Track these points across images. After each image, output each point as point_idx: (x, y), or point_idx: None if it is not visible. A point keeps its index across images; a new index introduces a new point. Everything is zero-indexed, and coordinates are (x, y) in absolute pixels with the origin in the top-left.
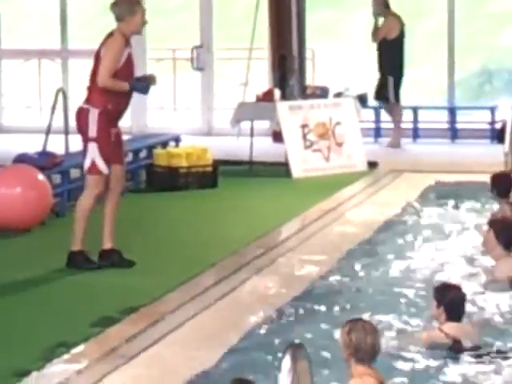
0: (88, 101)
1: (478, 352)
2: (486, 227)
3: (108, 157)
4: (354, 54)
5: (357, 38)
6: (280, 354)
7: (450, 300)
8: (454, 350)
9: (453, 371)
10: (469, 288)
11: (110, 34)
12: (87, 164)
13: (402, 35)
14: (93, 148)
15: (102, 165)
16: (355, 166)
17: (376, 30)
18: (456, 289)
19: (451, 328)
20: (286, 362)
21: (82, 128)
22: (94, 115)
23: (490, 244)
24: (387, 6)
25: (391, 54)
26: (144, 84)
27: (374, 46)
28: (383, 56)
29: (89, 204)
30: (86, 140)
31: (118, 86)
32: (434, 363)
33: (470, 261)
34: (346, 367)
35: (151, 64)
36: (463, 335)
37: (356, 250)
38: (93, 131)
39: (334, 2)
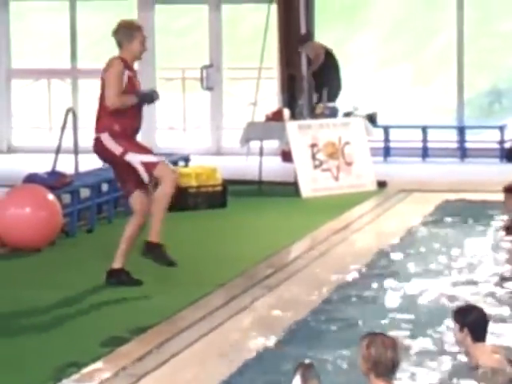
0: (97, 130)
1: None
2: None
3: (147, 151)
4: (364, 73)
5: (366, 58)
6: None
7: (473, 320)
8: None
9: None
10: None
11: (110, 62)
12: (142, 170)
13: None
14: (132, 157)
15: (150, 158)
16: (364, 186)
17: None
18: (477, 309)
19: (491, 348)
20: (297, 382)
21: (106, 154)
22: (106, 139)
23: None
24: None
25: None
26: (150, 91)
27: (384, 64)
28: None
29: (169, 195)
30: (121, 159)
31: (127, 100)
32: None
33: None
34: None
35: (161, 83)
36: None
37: (366, 270)
38: (117, 148)
39: (343, 22)
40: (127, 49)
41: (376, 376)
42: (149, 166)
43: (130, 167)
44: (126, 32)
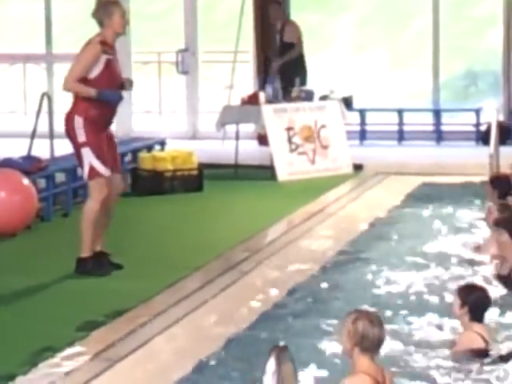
0: (72, 108)
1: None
2: (488, 230)
3: (104, 158)
4: (340, 57)
5: (342, 42)
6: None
7: (475, 300)
8: (482, 353)
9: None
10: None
11: (89, 41)
12: (86, 170)
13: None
14: (87, 152)
15: (100, 166)
16: (340, 169)
17: None
18: (481, 290)
19: (481, 330)
20: (271, 365)
21: (71, 135)
22: (78, 121)
23: (504, 245)
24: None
25: None
26: (115, 91)
27: (360, 49)
28: None
29: (95, 210)
30: (78, 146)
31: (83, 91)
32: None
33: (463, 261)
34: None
35: (136, 67)
36: (489, 338)
37: (342, 253)
38: (82, 136)
39: (319, 6)
40: (108, 25)
41: (361, 351)
42: (92, 172)
43: (80, 158)
44: (105, 8)
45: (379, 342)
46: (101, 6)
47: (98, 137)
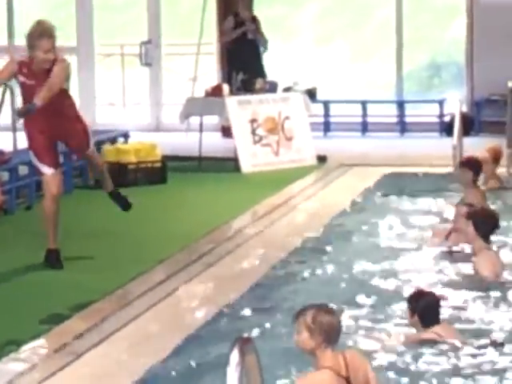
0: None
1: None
2: (454, 218)
3: (44, 159)
4: (304, 48)
5: (305, 34)
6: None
7: (423, 308)
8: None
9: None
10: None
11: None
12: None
13: None
14: (31, 153)
15: (42, 167)
16: (305, 161)
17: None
18: (429, 295)
19: (439, 330)
20: (234, 356)
21: (25, 131)
22: (23, 124)
23: (469, 236)
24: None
25: None
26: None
27: (324, 40)
28: None
29: (47, 206)
30: (28, 147)
31: None
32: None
33: (424, 252)
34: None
35: (99, 60)
36: (451, 335)
37: (306, 245)
38: (27, 137)
39: None
40: (33, 55)
41: (326, 346)
42: (38, 172)
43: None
44: (29, 41)
45: (337, 333)
46: (28, 35)
47: (39, 139)
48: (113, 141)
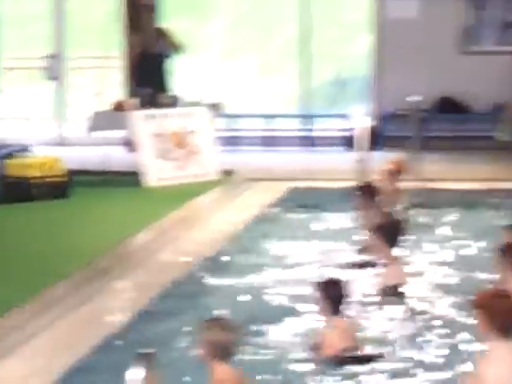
0: None
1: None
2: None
3: None
4: (210, 63)
5: (212, 48)
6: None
7: (334, 294)
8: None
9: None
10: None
11: None
12: None
13: None
14: None
15: None
16: (210, 175)
17: None
18: (340, 283)
19: (343, 324)
20: (134, 371)
21: None
22: None
23: (377, 248)
24: None
25: None
26: None
27: (230, 55)
28: None
29: None
30: None
31: None
32: None
33: (335, 264)
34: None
35: (5, 73)
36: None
37: (209, 258)
38: None
39: (189, 11)
40: None
41: (218, 360)
42: None
43: None
44: None
45: (233, 348)
46: None
47: None
48: (17, 155)
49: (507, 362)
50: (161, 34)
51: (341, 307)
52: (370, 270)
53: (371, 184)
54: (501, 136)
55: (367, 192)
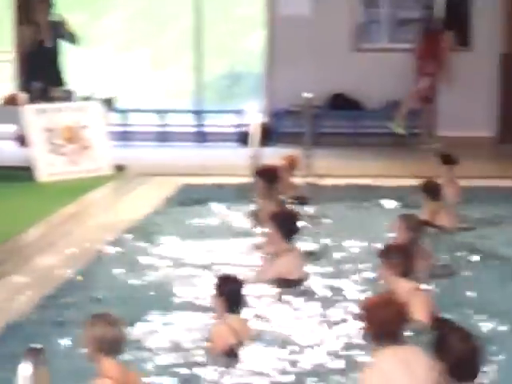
0: None
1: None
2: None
3: None
4: (102, 57)
5: (105, 42)
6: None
7: (229, 291)
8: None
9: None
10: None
11: None
12: None
13: None
14: None
15: None
16: (102, 170)
17: None
18: (236, 280)
19: (235, 321)
20: (24, 368)
21: None
22: None
23: (272, 238)
24: None
25: None
26: None
27: (123, 49)
28: None
29: None
30: None
31: None
32: None
33: (230, 259)
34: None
35: None
36: (244, 330)
37: (99, 255)
38: None
39: (83, 6)
40: None
41: (103, 354)
42: None
43: None
44: None
45: (119, 343)
46: None
47: None
48: None
49: (388, 370)
50: (55, 25)
51: (236, 304)
52: (264, 263)
53: (272, 169)
54: (397, 130)
55: (268, 176)
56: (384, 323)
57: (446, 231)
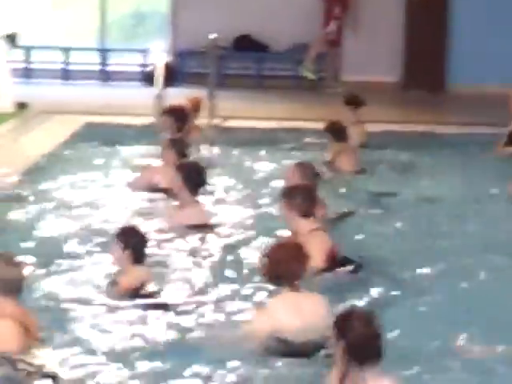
0: None
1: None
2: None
3: None
4: None
5: None
6: None
7: (136, 242)
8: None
9: None
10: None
11: None
12: None
13: None
14: None
15: None
16: (4, 108)
17: None
18: (140, 232)
19: (142, 271)
20: None
21: None
22: None
23: (177, 188)
24: None
25: None
26: None
27: None
28: None
29: None
30: None
31: None
32: None
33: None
34: None
35: None
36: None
37: (3, 194)
38: None
39: None
40: None
41: (2, 295)
42: None
43: None
44: None
45: (18, 284)
46: None
47: None
48: None
49: (279, 313)
50: None
51: (140, 256)
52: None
53: (180, 108)
54: (307, 75)
55: (177, 115)
56: (280, 263)
57: (344, 175)
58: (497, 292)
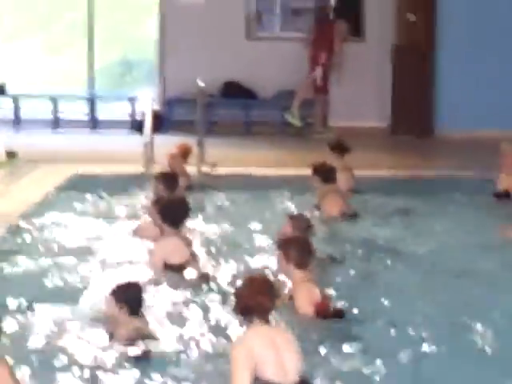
0: None
1: None
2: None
3: None
4: None
5: None
6: None
7: (130, 297)
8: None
9: None
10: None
11: None
12: None
13: None
14: None
15: None
16: None
17: None
18: (134, 285)
19: (139, 323)
20: None
21: None
22: None
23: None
24: None
25: None
26: None
27: (15, 36)
28: None
29: None
30: None
31: None
32: None
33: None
34: None
35: None
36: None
37: None
38: None
39: None
40: None
41: None
42: None
43: None
44: None
45: None
46: None
47: None
48: None
49: (255, 347)
50: None
51: (137, 307)
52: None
53: (171, 174)
54: (292, 121)
55: (169, 181)
56: (250, 297)
57: (331, 219)
58: None
